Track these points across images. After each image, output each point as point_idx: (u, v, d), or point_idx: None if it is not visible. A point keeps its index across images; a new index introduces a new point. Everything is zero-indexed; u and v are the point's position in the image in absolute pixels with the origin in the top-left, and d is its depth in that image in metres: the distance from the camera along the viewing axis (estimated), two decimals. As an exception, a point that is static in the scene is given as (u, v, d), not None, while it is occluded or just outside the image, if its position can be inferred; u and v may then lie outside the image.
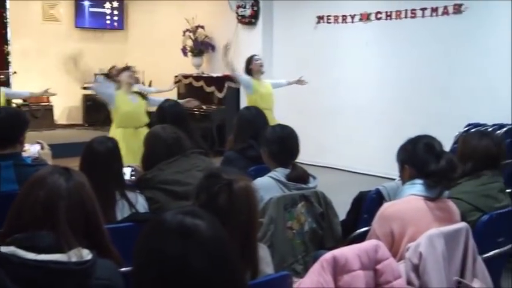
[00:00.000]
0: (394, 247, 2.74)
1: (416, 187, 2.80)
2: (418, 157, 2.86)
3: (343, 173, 9.12)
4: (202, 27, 11.32)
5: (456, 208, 2.90)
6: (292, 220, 3.27)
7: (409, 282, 2.59)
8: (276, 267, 3.06)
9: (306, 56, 9.95)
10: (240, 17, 10.39)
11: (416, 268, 2.58)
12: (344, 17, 9.51)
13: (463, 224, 2.77)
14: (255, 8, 10.21)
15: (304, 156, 8.63)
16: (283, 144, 3.44)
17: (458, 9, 8.21)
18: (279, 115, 8.58)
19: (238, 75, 7.28)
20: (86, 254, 1.83)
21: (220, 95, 10.71)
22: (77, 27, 12.55)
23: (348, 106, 9.43)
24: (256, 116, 4.54)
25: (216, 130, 10.45)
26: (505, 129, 7.34)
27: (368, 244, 2.43)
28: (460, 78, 8.28)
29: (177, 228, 1.47)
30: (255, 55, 7.63)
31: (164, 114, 4.59)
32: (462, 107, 8.14)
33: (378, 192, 3.45)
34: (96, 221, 2.01)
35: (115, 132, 5.97)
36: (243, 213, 2.14)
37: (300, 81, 7.90)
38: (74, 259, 1.78)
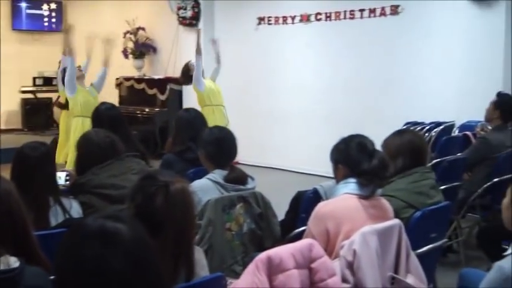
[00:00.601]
0: (330, 245, 2.78)
1: (350, 186, 2.85)
2: (351, 156, 2.90)
3: (286, 173, 9.19)
4: (143, 28, 11.24)
5: (389, 205, 2.95)
6: (230, 221, 3.27)
7: (344, 280, 2.62)
8: (215, 268, 3.07)
9: (248, 57, 9.99)
10: (180, 19, 10.34)
11: (350, 265, 2.62)
12: (285, 18, 9.59)
13: (396, 221, 2.83)
14: (196, 10, 10.18)
15: (248, 157, 8.74)
16: (221, 146, 3.44)
17: (395, 10, 8.39)
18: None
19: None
20: (14, 262, 1.80)
21: (162, 97, 10.64)
22: (14, 29, 12.27)
23: (290, 106, 9.51)
24: (195, 117, 4.53)
25: (158, 132, 10.38)
26: (441, 127, 7.54)
27: (302, 243, 2.45)
28: (398, 78, 8.46)
29: (98, 232, 1.45)
30: (190, 61, 7.57)
31: (100, 117, 4.53)
32: (401, 106, 8.31)
33: (315, 192, 3.48)
34: (24, 228, 1.97)
35: (75, 121, 6.36)
36: (180, 215, 2.14)
37: (213, 43, 7.98)
38: (1, 267, 1.74)
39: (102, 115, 4.54)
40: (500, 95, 5.37)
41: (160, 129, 10.43)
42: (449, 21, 7.87)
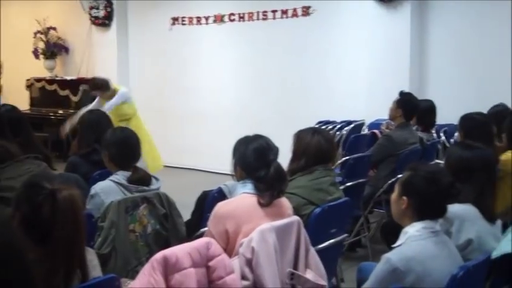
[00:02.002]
0: (230, 245, 2.81)
1: (248, 186, 2.89)
2: (248, 162, 2.93)
3: (201, 174, 9.20)
4: (54, 28, 10.95)
5: (288, 203, 3.01)
6: (134, 223, 3.25)
7: (243, 277, 2.66)
8: (120, 270, 3.06)
9: (163, 58, 9.94)
10: (93, 19, 10.16)
11: (249, 262, 2.66)
12: (198, 19, 9.59)
13: (294, 218, 2.89)
14: (109, 9, 10.03)
15: (164, 158, 8.64)
16: (123, 147, 3.41)
17: (306, 11, 8.54)
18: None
19: (120, 100, 6.89)
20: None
21: (75, 99, 10.41)
22: None
23: (206, 107, 9.53)
24: (100, 119, 4.46)
25: (71, 134, 10.14)
26: (352, 125, 7.74)
27: (199, 242, 2.47)
28: (311, 78, 8.62)
29: None
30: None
31: (1, 120, 4.39)
32: (313, 106, 8.48)
33: (220, 191, 3.51)
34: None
35: None
36: (68, 222, 2.08)
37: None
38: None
39: (2, 117, 4.41)
40: (402, 94, 5.55)
41: (73, 131, 10.18)
42: (358, 22, 8.09)
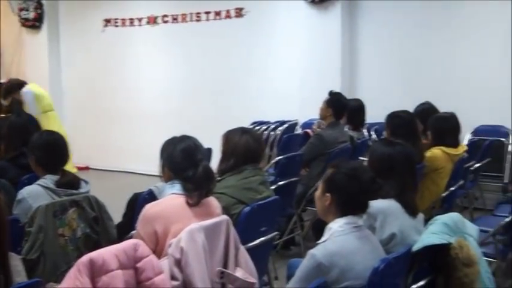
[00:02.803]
0: (159, 246, 2.81)
1: (176, 186, 2.90)
2: (175, 163, 2.94)
3: (133, 176, 9.12)
4: (-18, 30, 10.65)
5: (217, 202, 3.03)
6: (63, 227, 3.21)
7: (172, 277, 2.66)
8: (49, 275, 3.03)
9: (95, 60, 9.83)
10: (23, 20, 9.93)
11: (178, 262, 2.66)
12: (131, 20, 9.53)
13: (223, 217, 2.91)
14: (39, 11, 9.83)
15: (94, 161, 8.54)
16: (50, 150, 3.37)
17: (239, 13, 8.61)
18: (67, 119, 8.39)
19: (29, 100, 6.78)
20: None
21: (5, 102, 10.11)
22: None
23: (137, 108, 9.49)
24: (27, 122, 4.39)
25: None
26: (286, 125, 7.83)
27: (126, 244, 2.47)
28: (245, 79, 8.68)
29: None
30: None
31: None
32: (247, 106, 8.53)
33: (150, 193, 3.51)
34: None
35: None
36: None
37: None
38: None
39: None
40: (331, 93, 5.66)
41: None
42: (290, 23, 8.19)
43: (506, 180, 6.56)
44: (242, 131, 3.58)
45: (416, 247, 2.65)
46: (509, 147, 6.85)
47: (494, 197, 6.46)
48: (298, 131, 7.84)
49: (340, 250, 2.44)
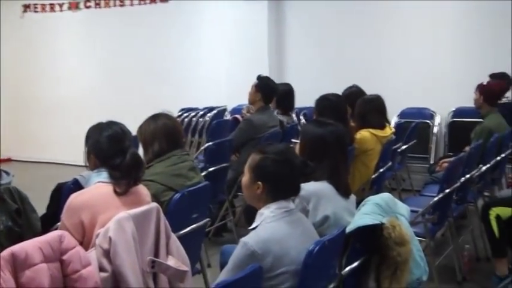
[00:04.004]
0: (87, 237, 2.69)
1: (103, 174, 2.77)
2: (102, 150, 2.81)
3: (57, 167, 8.86)
4: None
5: (146, 190, 2.93)
6: (-17, 220, 3.04)
7: (101, 269, 2.55)
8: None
9: (14, 48, 9.44)
10: None
11: (107, 253, 2.55)
12: (52, 6, 9.22)
13: (153, 205, 2.81)
14: (-48, -4, 9.35)
15: (16, 152, 8.23)
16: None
17: (164, -3, 8.45)
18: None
19: None
20: None
21: None
22: None
23: (61, 98, 9.21)
24: None
25: None
26: (214, 111, 7.77)
27: (51, 235, 2.34)
28: (172, 66, 8.54)
29: None
30: None
31: None
32: (175, 94, 8.42)
33: (76, 182, 3.37)
34: None
35: None
36: None
37: None
38: None
39: None
40: (260, 78, 5.62)
41: None
42: (217, 9, 8.10)
43: (432, 161, 6.72)
44: (154, 116, 3.49)
45: (349, 228, 2.63)
46: (435, 128, 7.02)
47: (421, 178, 6.60)
48: (227, 116, 7.80)
49: (273, 236, 2.38)
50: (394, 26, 7.32)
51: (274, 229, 2.41)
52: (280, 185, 2.50)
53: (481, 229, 5.05)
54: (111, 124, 2.90)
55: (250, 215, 4.47)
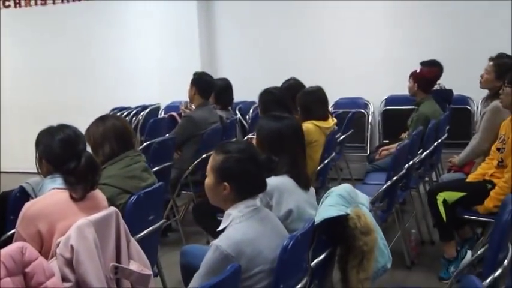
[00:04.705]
0: (45, 246, 2.57)
1: (58, 180, 2.65)
2: (55, 154, 2.69)
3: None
4: None
5: (102, 194, 2.83)
6: None
7: (64, 279, 2.45)
8: None
9: None
10: None
11: (69, 262, 2.45)
12: (-32, 5, 8.79)
13: (111, 209, 2.72)
14: None
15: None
16: None
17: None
18: None
19: None
20: None
21: None
22: None
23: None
24: None
25: None
26: (148, 110, 7.64)
27: (12, 248, 2.22)
28: (100, 64, 8.34)
29: None
30: None
31: None
32: (105, 93, 8.23)
33: (22, 190, 3.22)
34: None
35: None
36: None
37: None
38: None
39: None
40: (196, 74, 5.57)
41: None
42: (146, 5, 7.94)
43: (368, 150, 6.84)
44: (102, 118, 3.39)
45: (316, 221, 2.63)
46: (369, 117, 7.15)
47: (359, 167, 6.71)
48: (161, 114, 7.69)
49: (245, 237, 2.33)
50: (325, 17, 7.39)
51: (246, 229, 2.37)
52: (247, 183, 2.46)
53: (423, 214, 5.20)
54: (62, 127, 2.78)
55: (200, 213, 4.45)
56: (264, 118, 3.14)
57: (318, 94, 4.73)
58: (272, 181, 2.77)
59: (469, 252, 4.23)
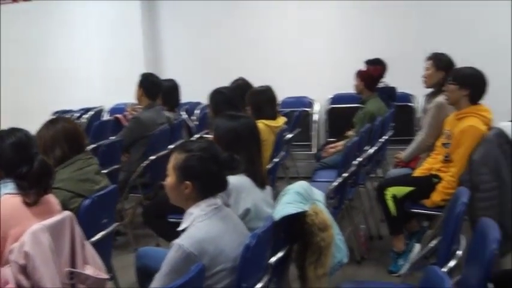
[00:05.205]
0: (-2, 254, 2.50)
1: (9, 186, 2.57)
2: (6, 159, 2.61)
3: None
4: None
5: (55, 198, 2.77)
6: None
7: (19, 286, 2.39)
8: None
9: None
10: None
11: (24, 269, 2.39)
12: None
13: (66, 213, 2.67)
14: None
15: None
16: None
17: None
18: None
19: None
20: None
21: None
22: None
23: None
24: None
25: None
26: (91, 112, 7.52)
27: (-35, 256, 2.15)
28: (42, 68, 8.17)
29: None
30: None
31: None
32: (46, 97, 8.08)
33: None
34: None
35: None
36: None
37: None
38: None
39: None
40: (143, 75, 5.53)
41: None
42: (88, 8, 7.82)
43: (314, 148, 6.92)
44: (52, 121, 3.33)
45: (275, 218, 2.64)
46: (314, 116, 7.23)
47: (305, 165, 6.78)
48: (105, 117, 7.58)
49: (208, 235, 2.32)
50: (270, 17, 7.44)
51: (208, 228, 2.36)
52: (209, 182, 2.45)
53: (371, 209, 5.29)
54: (13, 131, 2.70)
55: (152, 216, 4.40)
56: (220, 117, 3.12)
57: (268, 94, 4.76)
58: (230, 180, 2.76)
59: (417, 245, 4.34)
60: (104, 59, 7.76)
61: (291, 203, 2.72)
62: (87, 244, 2.80)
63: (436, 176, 4.17)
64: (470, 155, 3.88)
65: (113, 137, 5.46)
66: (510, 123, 4.67)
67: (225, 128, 3.02)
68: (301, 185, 2.86)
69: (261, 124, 4.58)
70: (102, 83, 7.76)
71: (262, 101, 4.65)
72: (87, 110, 7.57)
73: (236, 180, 2.79)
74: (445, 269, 2.41)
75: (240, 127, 3.01)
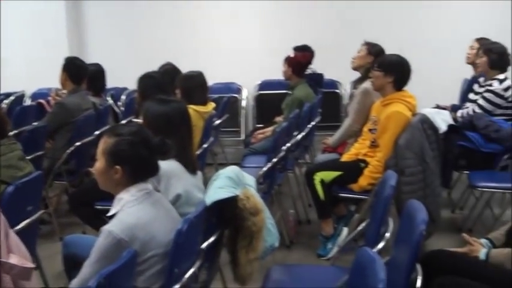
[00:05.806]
0: None
1: None
2: None
3: None
4: None
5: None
6: None
7: None
8: None
9: None
10: None
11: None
12: None
13: (-10, 201, 2.57)
14: None
15: None
16: None
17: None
18: None
19: None
20: None
21: None
22: None
23: None
24: None
25: None
26: (12, 97, 7.30)
27: None
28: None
29: None
30: None
31: None
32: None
33: None
34: None
35: None
36: None
37: None
38: None
39: None
40: (67, 58, 5.37)
41: None
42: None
43: (242, 134, 6.93)
44: None
45: (207, 203, 2.62)
46: (243, 102, 7.24)
47: (233, 151, 6.79)
48: (27, 102, 7.34)
49: (139, 221, 2.27)
50: (198, 4, 7.38)
51: (139, 213, 2.31)
52: (139, 166, 2.40)
53: (299, 194, 5.35)
54: None
55: (78, 203, 4.30)
56: (150, 101, 3.05)
57: (199, 79, 4.72)
58: (160, 166, 2.73)
59: (345, 229, 4.43)
60: (25, 42, 7.49)
61: (223, 187, 2.71)
62: (11, 233, 2.69)
63: (363, 161, 4.25)
64: (396, 140, 3.98)
65: (36, 123, 5.29)
66: (433, 109, 4.83)
67: (156, 112, 2.96)
68: (232, 169, 2.86)
69: (191, 109, 4.49)
70: (24, 67, 7.49)
71: (193, 86, 4.61)
72: (7, 95, 7.30)
73: (166, 166, 2.75)
74: (374, 251, 2.45)
75: (172, 111, 2.96)
